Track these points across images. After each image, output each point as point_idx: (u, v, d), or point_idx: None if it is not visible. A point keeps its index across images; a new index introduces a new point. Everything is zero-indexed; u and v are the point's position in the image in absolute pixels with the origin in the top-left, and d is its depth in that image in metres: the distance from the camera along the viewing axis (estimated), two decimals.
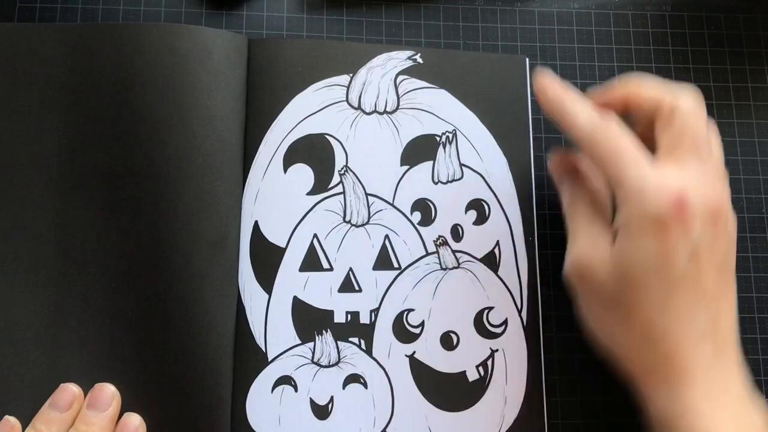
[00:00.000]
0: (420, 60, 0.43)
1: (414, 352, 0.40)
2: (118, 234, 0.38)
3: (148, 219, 0.38)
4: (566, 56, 0.46)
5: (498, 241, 0.42)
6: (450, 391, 0.39)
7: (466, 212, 0.42)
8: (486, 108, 0.43)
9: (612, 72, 0.46)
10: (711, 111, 0.45)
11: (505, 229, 0.42)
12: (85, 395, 0.37)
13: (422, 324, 0.40)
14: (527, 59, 0.45)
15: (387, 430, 0.39)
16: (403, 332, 0.40)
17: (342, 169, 0.41)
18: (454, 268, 0.41)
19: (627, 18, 0.47)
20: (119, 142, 0.39)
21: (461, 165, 0.42)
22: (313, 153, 0.41)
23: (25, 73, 0.40)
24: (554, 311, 0.42)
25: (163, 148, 0.39)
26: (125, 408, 0.37)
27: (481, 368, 0.40)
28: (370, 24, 0.45)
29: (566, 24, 0.46)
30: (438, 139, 0.42)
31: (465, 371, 0.40)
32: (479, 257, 0.41)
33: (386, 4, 0.46)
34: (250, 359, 0.39)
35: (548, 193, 0.43)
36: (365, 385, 0.39)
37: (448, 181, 0.42)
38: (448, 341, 0.40)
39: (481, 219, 0.42)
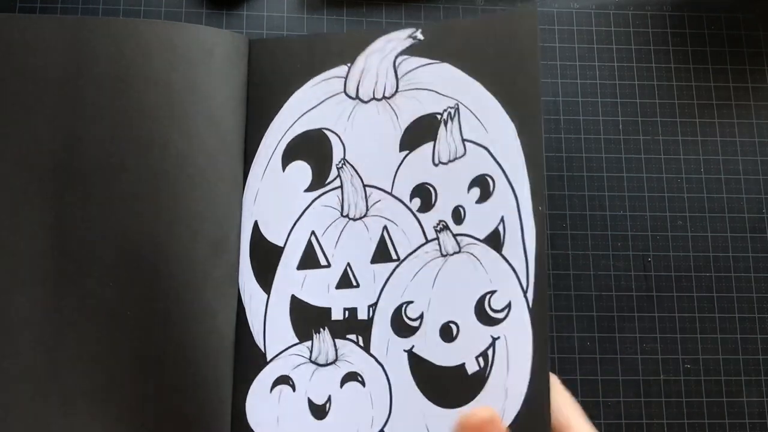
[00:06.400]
0: (420, 36, 0.41)
1: (413, 347, 0.39)
2: (116, 233, 0.38)
3: (147, 218, 0.38)
4: (566, 56, 0.46)
5: (503, 217, 0.39)
6: (449, 386, 0.38)
7: (468, 191, 0.40)
8: (492, 72, 0.40)
9: (612, 72, 0.46)
10: (711, 111, 0.45)
11: (511, 202, 0.39)
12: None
13: (421, 316, 0.39)
14: (537, 10, 0.42)
15: (385, 429, 0.38)
16: (402, 326, 0.39)
17: (339, 162, 0.41)
18: (455, 253, 0.39)
19: (627, 18, 0.47)
20: (118, 139, 0.39)
21: (464, 141, 0.40)
22: (311, 149, 0.41)
23: (19, 64, 0.39)
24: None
25: (164, 146, 0.39)
26: (125, 408, 0.37)
27: (480, 359, 0.38)
28: (370, 24, 0.46)
29: (566, 24, 0.46)
30: (439, 117, 0.41)
31: (464, 363, 0.38)
32: (482, 238, 0.39)
33: (386, 4, 0.46)
34: (250, 359, 0.39)
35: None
36: (363, 383, 0.39)
37: (449, 161, 0.40)
38: (447, 332, 0.38)
39: (485, 195, 0.40)
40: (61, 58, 0.40)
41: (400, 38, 0.42)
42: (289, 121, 0.41)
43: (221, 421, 0.37)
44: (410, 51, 0.42)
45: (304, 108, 0.42)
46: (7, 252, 0.38)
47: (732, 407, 0.41)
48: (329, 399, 0.38)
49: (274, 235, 0.40)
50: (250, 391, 0.38)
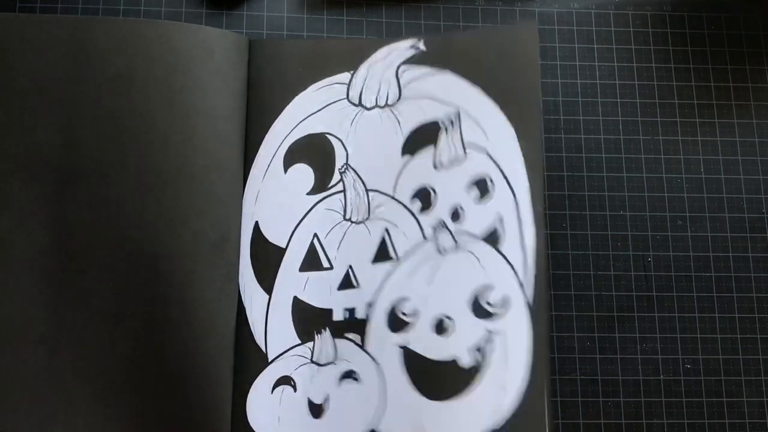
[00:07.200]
0: (423, 47, 0.42)
1: (407, 342, 0.39)
2: (116, 233, 0.38)
3: (147, 218, 0.38)
4: (566, 56, 0.46)
5: (501, 216, 0.40)
6: (442, 380, 0.38)
7: (468, 191, 0.40)
8: (492, 78, 0.41)
9: (612, 72, 0.46)
10: (711, 111, 0.45)
11: (510, 202, 0.40)
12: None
13: (415, 312, 0.39)
14: (536, 26, 0.43)
15: (380, 424, 0.38)
16: (396, 322, 0.39)
17: (342, 167, 0.41)
18: (452, 250, 0.40)
19: (627, 18, 0.47)
20: (118, 139, 0.39)
21: (464, 145, 0.41)
22: (314, 152, 0.41)
23: (20, 63, 0.39)
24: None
25: (164, 146, 0.39)
26: (125, 408, 0.37)
27: (476, 352, 0.38)
28: (371, 24, 0.45)
29: (566, 24, 0.46)
30: (441, 124, 0.41)
31: (458, 357, 0.38)
32: (480, 235, 0.40)
33: (386, 4, 0.46)
34: (251, 360, 0.39)
35: (548, 193, 0.43)
36: (358, 380, 0.39)
37: (450, 164, 0.41)
38: (441, 326, 0.39)
39: (484, 195, 0.40)
40: (61, 58, 0.40)
41: (402, 48, 0.42)
42: (291, 123, 0.41)
43: (221, 420, 0.37)
44: (412, 60, 0.42)
45: (306, 112, 0.42)
46: (7, 252, 0.38)
47: (732, 407, 0.41)
48: (327, 398, 0.38)
49: (275, 235, 0.40)
50: (250, 391, 0.38)
